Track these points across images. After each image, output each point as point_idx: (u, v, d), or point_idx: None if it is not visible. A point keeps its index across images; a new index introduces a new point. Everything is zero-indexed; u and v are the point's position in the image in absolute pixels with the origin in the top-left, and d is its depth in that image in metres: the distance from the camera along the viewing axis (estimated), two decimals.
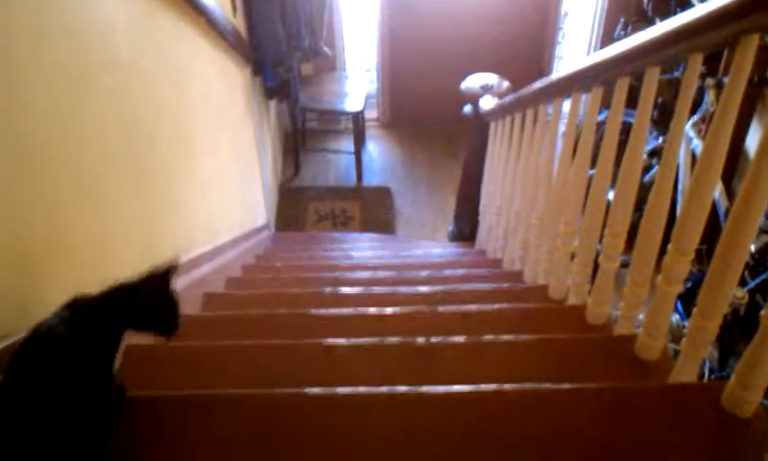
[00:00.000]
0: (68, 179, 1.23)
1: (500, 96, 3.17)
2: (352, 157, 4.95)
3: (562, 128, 2.10)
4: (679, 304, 2.54)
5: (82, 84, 1.29)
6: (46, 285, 1.16)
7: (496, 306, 1.87)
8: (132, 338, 1.25)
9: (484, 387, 1.22)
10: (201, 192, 2.27)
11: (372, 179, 5.05)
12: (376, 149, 5.47)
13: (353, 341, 1.53)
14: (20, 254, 1.07)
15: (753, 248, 2.34)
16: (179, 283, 1.86)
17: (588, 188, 1.72)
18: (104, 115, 1.40)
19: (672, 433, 1.12)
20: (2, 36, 1.00)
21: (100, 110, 1.38)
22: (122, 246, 1.50)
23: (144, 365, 1.46)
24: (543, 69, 5.35)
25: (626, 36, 4.40)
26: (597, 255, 1.66)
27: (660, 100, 3.41)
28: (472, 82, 3.42)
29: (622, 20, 4.65)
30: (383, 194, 4.83)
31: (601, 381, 1.29)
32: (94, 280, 1.34)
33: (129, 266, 1.52)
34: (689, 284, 2.45)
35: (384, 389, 1.22)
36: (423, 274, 2.51)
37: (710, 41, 1.15)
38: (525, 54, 5.31)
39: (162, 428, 1.16)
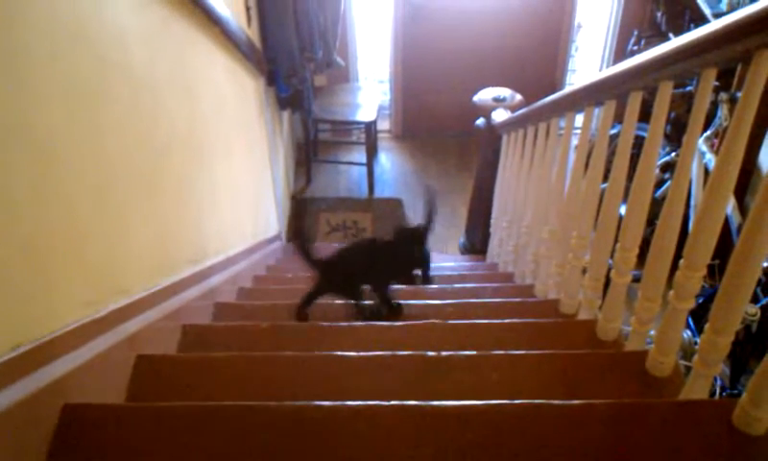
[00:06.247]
0: (83, 187, 1.25)
1: (513, 109, 3.18)
2: (364, 168, 4.96)
3: (574, 141, 2.10)
4: (690, 320, 2.53)
5: (96, 92, 1.31)
6: (60, 290, 1.17)
7: (507, 321, 1.87)
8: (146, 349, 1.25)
9: (494, 402, 1.21)
10: (213, 202, 2.28)
11: (384, 190, 5.06)
12: (389, 160, 5.48)
13: (363, 353, 1.53)
14: (37, 261, 1.08)
15: (765, 264, 2.33)
16: (192, 292, 1.88)
17: (599, 202, 1.72)
18: (118, 123, 1.42)
19: (683, 450, 1.11)
20: (16, 42, 1.02)
21: (115, 118, 1.40)
22: (134, 255, 1.51)
23: (155, 374, 1.47)
24: (556, 82, 5.36)
25: (639, 50, 4.41)
26: (609, 270, 1.66)
27: (672, 114, 3.40)
28: (485, 94, 3.43)
29: (636, 34, 4.66)
30: (395, 205, 4.84)
31: (611, 397, 1.28)
32: (107, 287, 1.36)
33: (140, 274, 1.54)
34: (701, 300, 2.43)
35: (394, 403, 1.22)
36: (434, 287, 2.50)
37: (724, 57, 1.15)
38: (538, 67, 5.32)
39: (169, 438, 1.17)
